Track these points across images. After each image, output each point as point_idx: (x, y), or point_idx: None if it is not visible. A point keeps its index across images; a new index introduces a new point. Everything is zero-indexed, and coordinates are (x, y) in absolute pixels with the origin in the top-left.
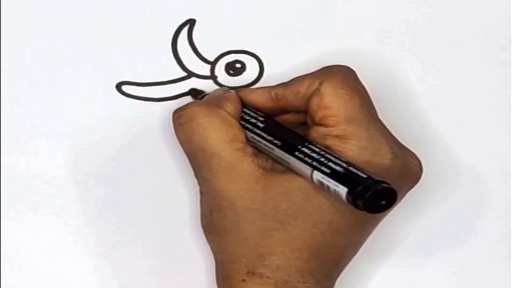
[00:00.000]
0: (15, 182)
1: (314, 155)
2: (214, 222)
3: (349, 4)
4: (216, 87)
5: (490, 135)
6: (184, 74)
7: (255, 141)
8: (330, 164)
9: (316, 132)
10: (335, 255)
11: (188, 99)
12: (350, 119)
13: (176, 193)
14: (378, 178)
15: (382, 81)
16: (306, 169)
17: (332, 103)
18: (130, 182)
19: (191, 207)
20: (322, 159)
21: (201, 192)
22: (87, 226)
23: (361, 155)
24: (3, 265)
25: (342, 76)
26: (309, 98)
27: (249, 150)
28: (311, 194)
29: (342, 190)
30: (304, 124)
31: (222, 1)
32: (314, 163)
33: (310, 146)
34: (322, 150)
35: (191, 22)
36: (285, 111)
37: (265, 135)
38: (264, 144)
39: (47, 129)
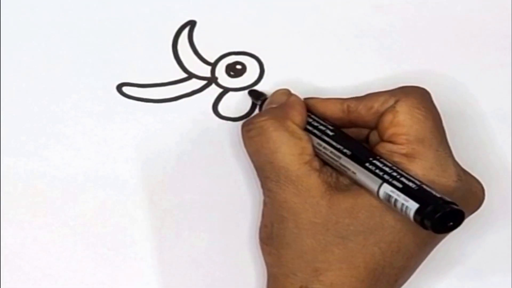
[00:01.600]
0: (15, 183)
1: (386, 168)
2: (274, 233)
3: (349, 5)
4: (217, 88)
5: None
6: (184, 75)
7: (321, 148)
8: (403, 179)
9: (384, 148)
10: (391, 276)
11: (190, 100)
12: (421, 139)
13: (176, 193)
14: (448, 199)
15: (382, 83)
16: (374, 181)
17: (405, 122)
18: (129, 183)
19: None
20: (395, 174)
21: (264, 203)
22: (86, 228)
23: (427, 175)
24: (3, 267)
25: (419, 96)
26: (381, 115)
27: (316, 163)
28: (376, 212)
29: (412, 206)
30: (364, 142)
31: (223, 3)
32: (385, 176)
33: (382, 160)
34: (394, 165)
35: (191, 24)
36: (352, 124)
37: (334, 143)
38: (331, 152)
39: (47, 130)
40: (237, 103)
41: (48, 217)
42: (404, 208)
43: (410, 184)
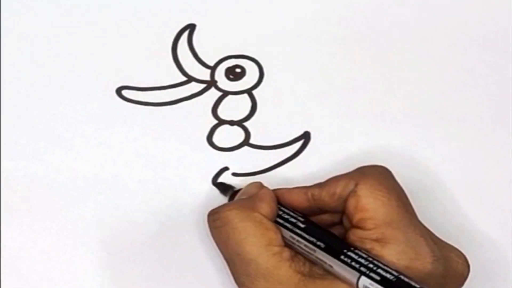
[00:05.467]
0: (14, 186)
1: (362, 260)
2: None
3: (348, 8)
4: (216, 92)
5: None
6: (184, 78)
7: (293, 241)
8: (380, 271)
9: (354, 235)
10: None
11: (189, 104)
12: (389, 222)
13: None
14: None
15: (382, 85)
16: (351, 274)
17: (369, 205)
18: (129, 186)
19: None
20: (371, 265)
21: None
22: (86, 231)
23: (400, 260)
24: (3, 270)
25: (378, 176)
26: (345, 200)
27: (286, 253)
28: None
29: None
30: (338, 224)
31: (222, 6)
32: (362, 269)
33: (356, 251)
34: (370, 256)
35: (191, 27)
36: (322, 211)
37: (307, 236)
38: (305, 245)
39: (47, 133)
40: (236, 107)
41: (48, 220)
42: None
43: (388, 275)
